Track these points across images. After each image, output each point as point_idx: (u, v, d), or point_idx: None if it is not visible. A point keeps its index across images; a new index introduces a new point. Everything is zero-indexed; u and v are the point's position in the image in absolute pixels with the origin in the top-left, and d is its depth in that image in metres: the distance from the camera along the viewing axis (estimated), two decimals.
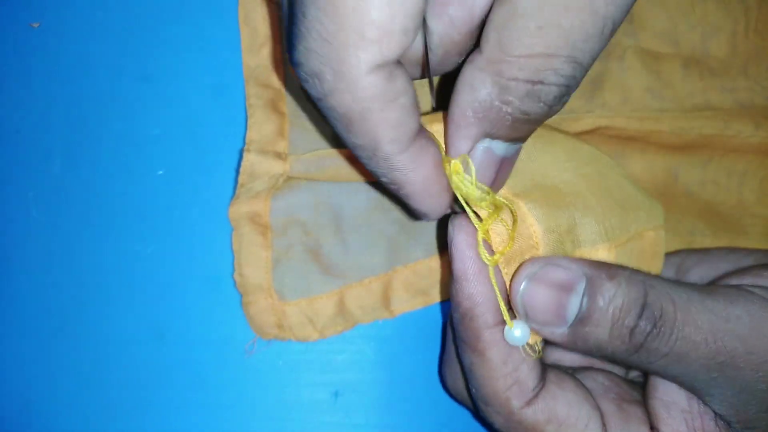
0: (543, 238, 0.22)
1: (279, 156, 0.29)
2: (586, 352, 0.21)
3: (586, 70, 0.18)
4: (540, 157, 0.24)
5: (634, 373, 0.27)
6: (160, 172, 0.31)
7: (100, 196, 0.31)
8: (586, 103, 0.31)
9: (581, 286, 0.20)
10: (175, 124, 0.31)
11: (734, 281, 0.23)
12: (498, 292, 0.21)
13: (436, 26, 0.20)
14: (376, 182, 0.29)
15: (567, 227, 0.23)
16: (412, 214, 0.23)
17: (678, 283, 0.21)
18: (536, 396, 0.22)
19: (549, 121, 0.30)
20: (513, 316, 0.22)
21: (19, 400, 0.30)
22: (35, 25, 0.32)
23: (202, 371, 0.30)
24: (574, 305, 0.20)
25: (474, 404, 0.24)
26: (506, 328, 0.21)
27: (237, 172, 0.31)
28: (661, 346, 0.20)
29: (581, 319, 0.20)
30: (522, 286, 0.21)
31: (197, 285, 0.30)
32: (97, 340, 0.30)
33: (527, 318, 0.21)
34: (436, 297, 0.30)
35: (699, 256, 0.26)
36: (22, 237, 0.31)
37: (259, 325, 0.29)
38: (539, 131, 0.22)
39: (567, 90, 0.18)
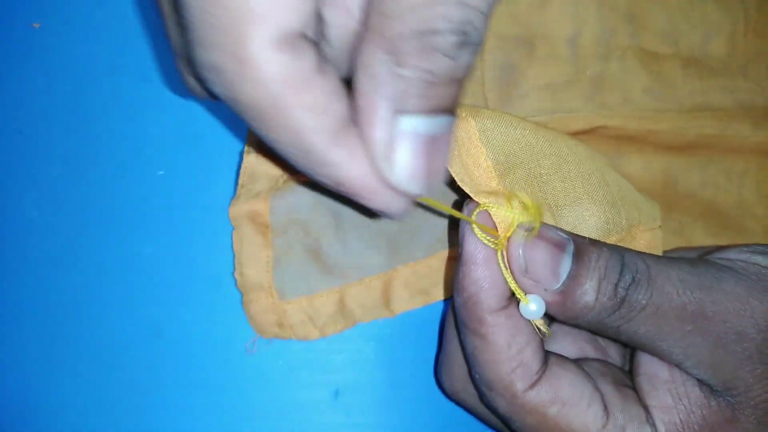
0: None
1: (279, 157, 0.29)
2: (573, 316, 0.22)
3: (484, 17, 0.16)
4: (543, 160, 0.25)
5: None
6: (161, 173, 0.31)
7: (101, 196, 0.31)
8: (585, 102, 0.31)
9: (570, 248, 0.22)
10: (175, 124, 0.31)
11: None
12: (507, 272, 0.22)
13: (332, 17, 0.18)
14: None
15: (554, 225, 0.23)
16: (370, 212, 0.22)
17: (644, 252, 0.23)
18: (540, 378, 0.22)
19: (547, 123, 0.31)
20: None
21: (18, 399, 0.30)
22: (36, 25, 0.32)
23: (202, 370, 0.30)
24: (566, 263, 0.21)
25: (477, 390, 0.24)
26: (521, 304, 0.22)
27: (237, 172, 0.31)
28: (640, 296, 0.21)
29: (572, 277, 0.21)
30: (523, 242, 0.22)
31: (197, 284, 0.30)
32: (98, 340, 0.30)
33: (525, 272, 0.22)
34: (436, 296, 0.30)
35: (696, 253, 0.26)
36: (22, 237, 0.31)
37: (260, 324, 0.29)
38: (544, 131, 0.23)
39: (465, 37, 0.16)
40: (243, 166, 0.29)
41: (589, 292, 0.21)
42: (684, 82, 0.32)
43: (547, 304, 0.22)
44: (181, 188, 0.31)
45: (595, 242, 0.22)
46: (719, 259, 0.23)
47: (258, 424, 0.30)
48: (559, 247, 0.22)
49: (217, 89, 0.16)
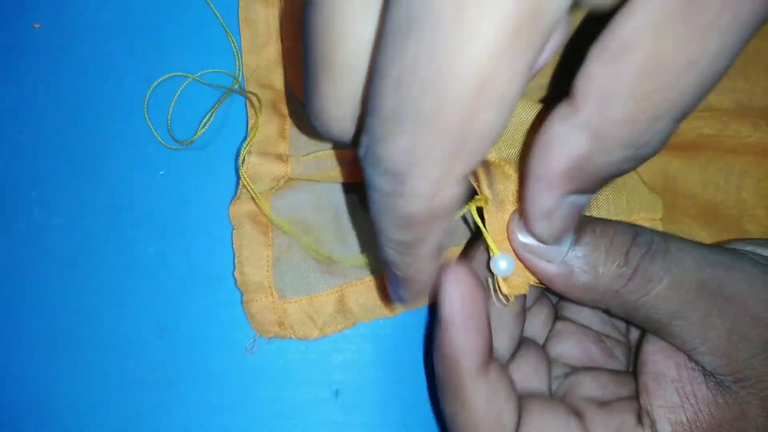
0: None
1: (280, 158, 0.30)
2: (583, 289, 0.21)
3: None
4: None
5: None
6: (162, 172, 0.31)
7: (102, 196, 0.31)
8: None
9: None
10: (175, 124, 0.31)
11: None
12: (484, 228, 0.21)
13: None
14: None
15: None
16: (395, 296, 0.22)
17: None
18: None
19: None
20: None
21: (20, 398, 0.30)
22: (37, 26, 0.32)
23: (202, 370, 0.30)
24: (569, 236, 0.21)
25: None
26: (492, 258, 0.21)
27: (237, 171, 0.31)
28: (658, 268, 0.20)
29: (576, 242, 0.21)
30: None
31: (198, 284, 0.30)
32: (98, 339, 0.30)
33: (525, 246, 0.21)
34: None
35: None
36: (24, 237, 0.31)
37: (260, 324, 0.29)
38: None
39: (663, 145, 0.17)
40: (244, 167, 0.29)
41: (597, 262, 0.21)
42: None
43: (553, 280, 0.21)
44: (181, 188, 0.31)
45: (599, 219, 0.22)
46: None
47: (258, 423, 0.30)
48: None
49: (381, 186, 0.16)
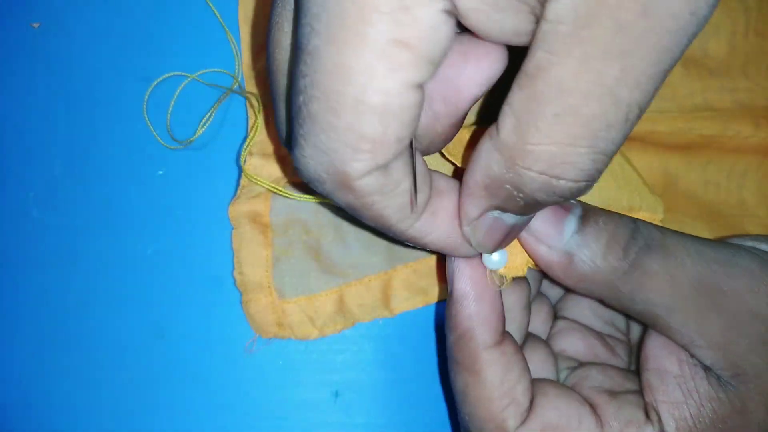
0: None
1: (281, 159, 0.30)
2: (581, 279, 0.21)
3: (608, 162, 0.17)
4: None
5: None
6: (161, 172, 0.31)
7: (101, 195, 0.31)
8: None
9: (577, 209, 0.21)
10: (174, 124, 0.31)
11: None
12: None
13: (421, 120, 0.20)
14: None
15: None
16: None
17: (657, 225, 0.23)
18: (529, 413, 0.22)
19: None
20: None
21: (19, 398, 0.30)
22: (36, 25, 0.32)
23: (202, 370, 0.30)
24: (571, 222, 0.21)
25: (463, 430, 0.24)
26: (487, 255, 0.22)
27: (237, 172, 0.31)
28: (654, 263, 0.21)
29: (578, 235, 0.21)
30: None
31: (197, 284, 0.30)
32: (98, 340, 0.30)
33: (528, 228, 0.21)
34: (435, 296, 0.30)
35: None
36: (22, 237, 0.31)
37: (259, 324, 0.29)
38: None
39: (586, 185, 0.17)
40: (244, 168, 0.29)
41: (596, 253, 0.21)
42: (684, 82, 0.32)
43: (552, 265, 0.21)
44: (181, 188, 0.31)
45: (604, 209, 0.22)
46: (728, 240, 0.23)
47: (257, 423, 0.30)
48: (566, 208, 0.21)
49: (317, 190, 0.19)
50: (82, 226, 0.31)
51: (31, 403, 0.30)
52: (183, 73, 0.32)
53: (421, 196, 0.19)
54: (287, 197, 0.29)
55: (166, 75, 0.31)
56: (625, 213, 0.24)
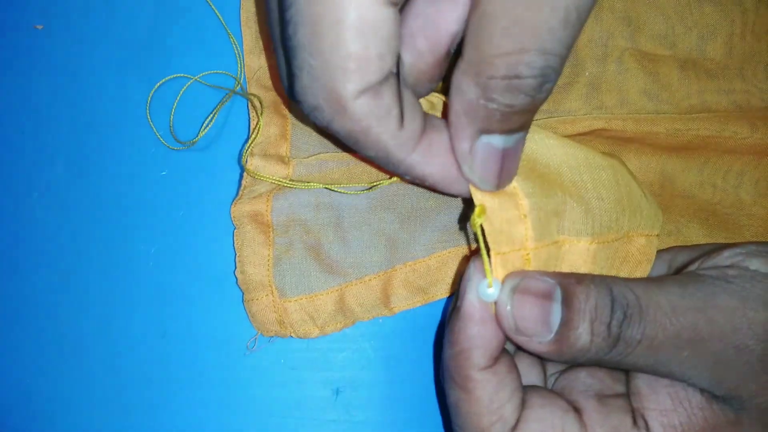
0: (530, 212, 0.23)
1: (282, 159, 0.30)
2: (571, 359, 0.22)
3: (563, 59, 0.19)
4: (555, 150, 0.25)
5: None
6: (164, 173, 0.31)
7: (104, 196, 0.31)
8: (583, 104, 0.31)
9: (558, 294, 0.22)
10: (177, 125, 0.32)
11: (691, 268, 0.24)
12: (484, 249, 0.22)
13: (405, 57, 0.23)
14: (375, 185, 0.30)
15: (554, 210, 0.23)
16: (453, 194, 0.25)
17: (631, 279, 0.23)
18: (515, 429, 0.23)
19: (548, 126, 0.31)
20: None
21: (22, 398, 0.30)
22: (39, 26, 0.32)
23: (204, 369, 0.30)
24: (556, 312, 0.22)
25: None
26: (483, 284, 0.22)
27: (239, 172, 0.31)
28: (634, 332, 0.21)
29: (564, 323, 0.21)
30: (509, 301, 0.22)
31: (199, 283, 0.30)
32: (101, 339, 0.30)
33: (516, 330, 0.22)
34: (435, 295, 0.30)
35: (689, 252, 0.26)
36: (26, 237, 0.31)
37: (261, 322, 0.29)
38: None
39: (544, 79, 0.19)
40: (246, 168, 0.29)
41: (583, 336, 0.21)
42: (681, 84, 0.32)
43: (544, 352, 0.22)
44: (183, 188, 0.31)
45: (581, 279, 0.22)
46: (710, 269, 0.23)
47: (259, 422, 0.30)
48: (547, 297, 0.22)
49: (317, 121, 0.21)
50: (86, 226, 0.31)
51: (33, 403, 0.30)
52: (186, 75, 0.32)
53: (414, 124, 0.21)
54: (291, 187, 0.29)
55: (169, 77, 0.32)
56: (623, 233, 0.25)
